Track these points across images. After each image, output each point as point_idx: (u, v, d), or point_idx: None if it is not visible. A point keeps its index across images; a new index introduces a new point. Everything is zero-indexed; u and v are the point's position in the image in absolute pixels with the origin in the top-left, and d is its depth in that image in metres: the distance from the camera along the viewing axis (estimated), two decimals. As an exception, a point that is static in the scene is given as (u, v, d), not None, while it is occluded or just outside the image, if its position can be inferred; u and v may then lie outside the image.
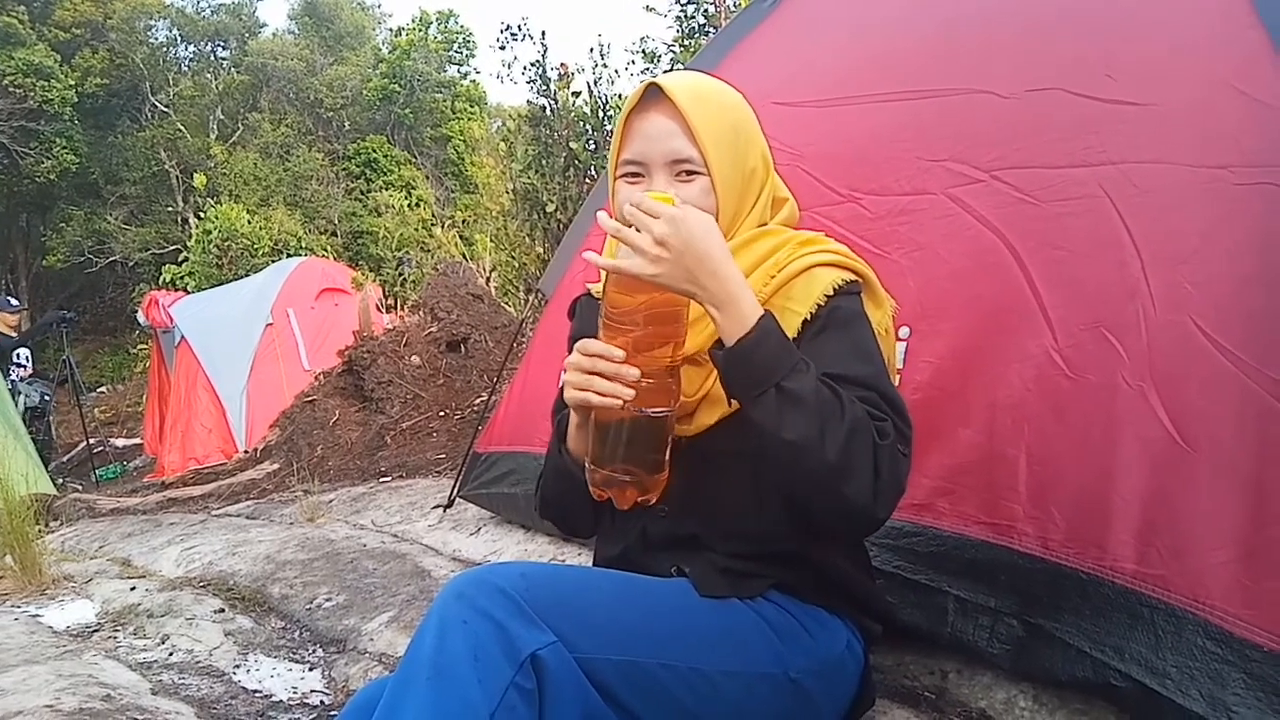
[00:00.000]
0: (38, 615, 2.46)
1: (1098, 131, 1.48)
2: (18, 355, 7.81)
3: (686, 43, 5.88)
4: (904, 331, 1.63)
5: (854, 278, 1.19)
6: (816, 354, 1.10)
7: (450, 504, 3.17)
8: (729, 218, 1.19)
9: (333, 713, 1.75)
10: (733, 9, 5.49)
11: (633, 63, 6.50)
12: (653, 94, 1.18)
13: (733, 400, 1.10)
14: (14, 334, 8.08)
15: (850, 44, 2.12)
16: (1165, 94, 1.43)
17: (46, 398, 7.95)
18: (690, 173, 1.16)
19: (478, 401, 4.88)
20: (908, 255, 1.68)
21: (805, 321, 1.14)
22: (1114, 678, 1.22)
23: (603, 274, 1.12)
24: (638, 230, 1.05)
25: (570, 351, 1.33)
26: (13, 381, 7.40)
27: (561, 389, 1.33)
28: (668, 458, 1.12)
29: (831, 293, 1.15)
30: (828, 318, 1.14)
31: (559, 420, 1.29)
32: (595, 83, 5.61)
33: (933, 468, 1.54)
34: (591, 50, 5.69)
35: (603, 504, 1.21)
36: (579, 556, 2.42)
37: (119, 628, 2.34)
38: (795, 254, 1.19)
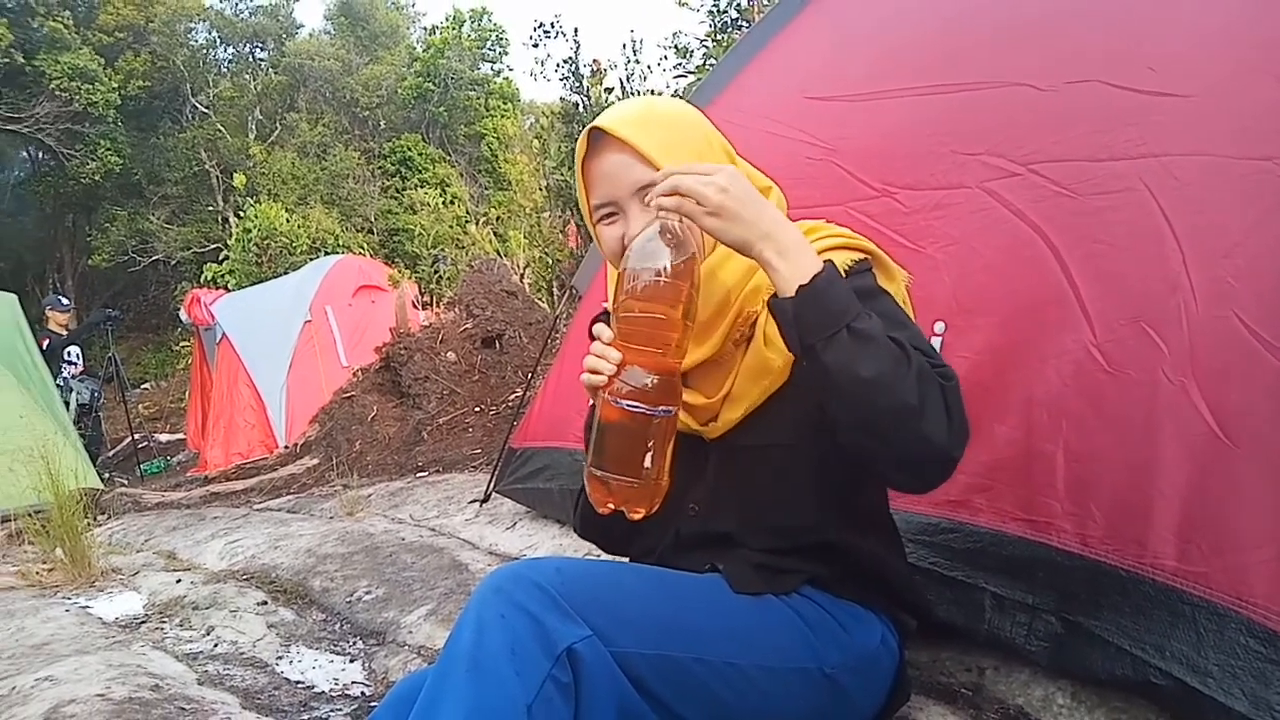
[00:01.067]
0: (87, 606, 2.53)
1: (1138, 123, 1.46)
2: (69, 353, 8.01)
3: (719, 37, 5.87)
4: (939, 327, 1.62)
5: (863, 256, 1.19)
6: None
7: (486, 499, 3.20)
8: None
9: (373, 704, 1.78)
10: (766, 3, 5.46)
11: (665, 58, 6.49)
12: (596, 137, 1.20)
13: (799, 350, 1.07)
14: (64, 332, 8.28)
15: (885, 37, 2.10)
16: (1207, 85, 1.40)
17: (96, 394, 8.14)
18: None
19: (512, 397, 4.92)
20: (943, 250, 1.67)
21: None
22: (1154, 676, 1.21)
23: (611, 280, 1.12)
24: (686, 200, 1.06)
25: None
26: (64, 379, 7.59)
27: (590, 406, 1.35)
28: (660, 465, 1.10)
29: (844, 274, 1.14)
30: None
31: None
32: (628, 79, 5.63)
33: (969, 464, 1.51)
34: (624, 46, 5.71)
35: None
36: (614, 551, 2.44)
37: (165, 619, 2.39)
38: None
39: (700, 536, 1.23)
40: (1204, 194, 1.34)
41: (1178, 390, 1.27)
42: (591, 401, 1.16)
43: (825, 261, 1.06)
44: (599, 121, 1.19)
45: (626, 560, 1.35)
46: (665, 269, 1.06)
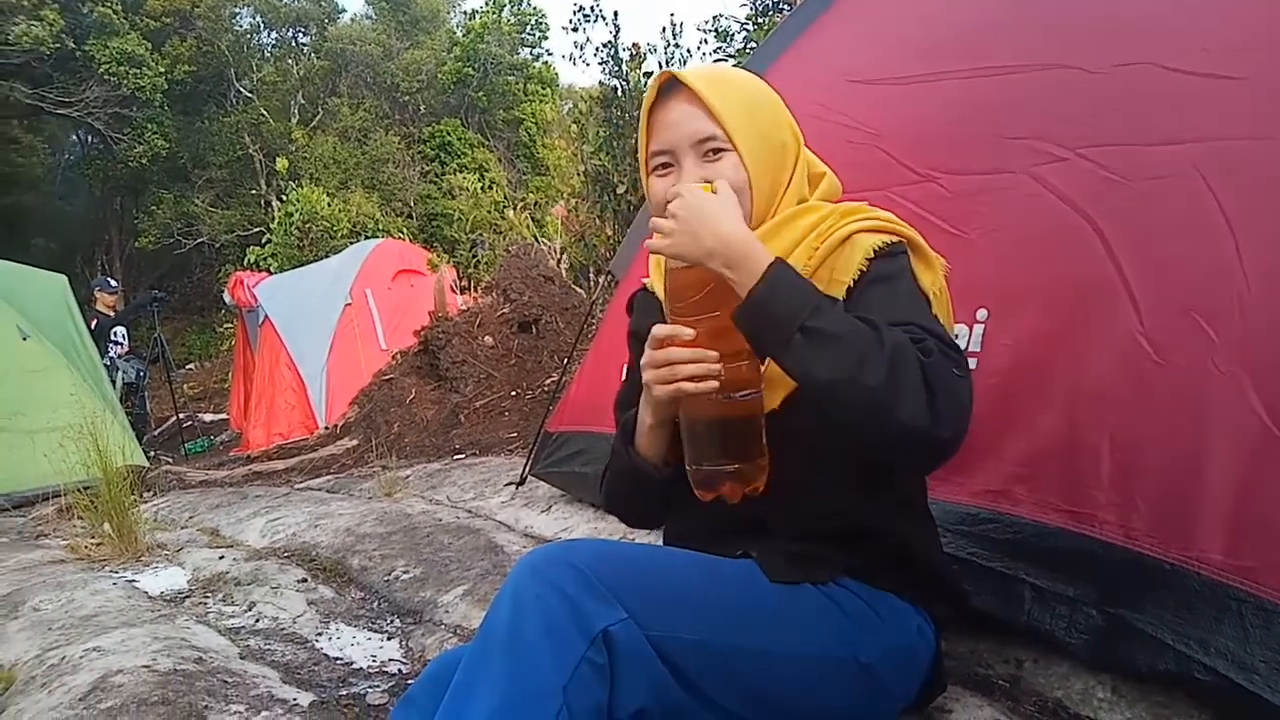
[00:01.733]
0: (134, 580, 2.59)
1: (1190, 107, 1.42)
2: (115, 334, 8.19)
3: (760, 21, 5.81)
4: (981, 314, 1.60)
5: (896, 239, 1.18)
6: (859, 309, 1.09)
7: (522, 481, 3.23)
8: (765, 192, 1.20)
9: (409, 681, 1.80)
10: (808, -15, 5.39)
11: (705, 41, 6.46)
12: (669, 86, 1.21)
13: (766, 359, 1.08)
14: (112, 313, 8.45)
15: (930, 20, 2.07)
16: (1263, 67, 1.36)
17: (142, 374, 8.32)
18: (717, 150, 1.18)
19: (549, 381, 4.94)
20: (986, 235, 1.64)
21: (849, 289, 1.14)
22: (1198, 671, 1.19)
23: (658, 266, 1.13)
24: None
25: (631, 347, 1.35)
26: (110, 359, 7.76)
27: (623, 385, 1.35)
28: (764, 441, 1.11)
29: (873, 255, 1.15)
30: (869, 278, 1.14)
31: (624, 421, 1.29)
32: (667, 63, 5.60)
33: (1011, 453, 1.51)
34: (664, 30, 5.67)
35: (670, 497, 1.24)
36: (649, 536, 2.44)
37: (209, 594, 2.45)
38: (838, 224, 1.18)
39: (735, 521, 1.22)
40: (1258, 179, 1.31)
41: (1228, 381, 1.24)
42: (622, 381, 1.16)
43: (774, 262, 1.05)
44: (675, 69, 1.20)
45: (660, 543, 1.35)
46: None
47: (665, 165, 1.22)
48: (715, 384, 1.08)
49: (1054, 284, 1.53)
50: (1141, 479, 1.32)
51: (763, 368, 1.11)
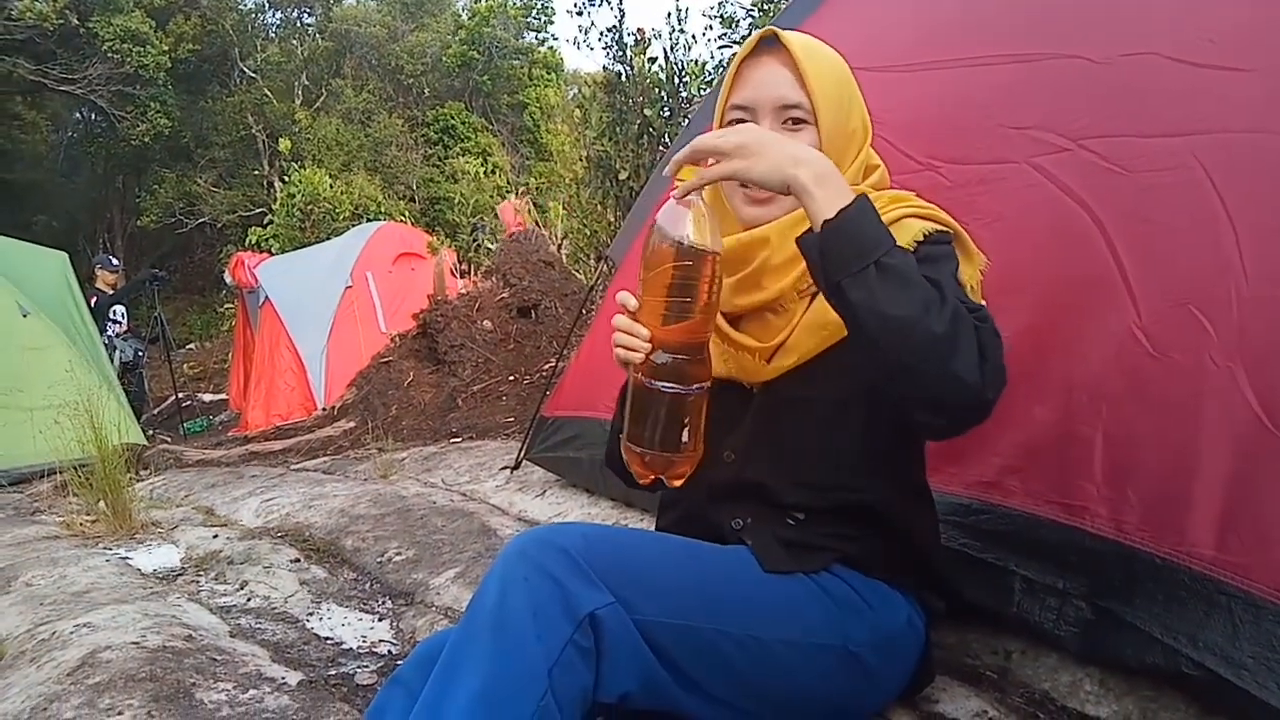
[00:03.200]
0: (127, 558, 2.59)
1: (1194, 99, 1.40)
2: (114, 312, 8.18)
3: (765, 7, 5.78)
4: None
5: (943, 229, 1.19)
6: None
7: (517, 466, 3.22)
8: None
9: (399, 662, 1.80)
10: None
11: (710, 27, 6.42)
12: (768, 43, 1.20)
13: (826, 287, 1.04)
14: (111, 291, 8.44)
15: (934, 7, 2.05)
16: (1268, 59, 1.35)
17: (140, 353, 8.32)
18: (798, 121, 1.18)
19: (546, 367, 4.93)
20: (987, 226, 1.62)
21: None
22: (1186, 665, 1.18)
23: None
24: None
25: None
26: (109, 337, 7.75)
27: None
28: (697, 436, 1.10)
29: (922, 239, 1.15)
30: (917, 259, 1.11)
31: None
32: (672, 49, 5.57)
33: (1005, 445, 1.50)
34: (669, 16, 5.64)
35: None
36: (641, 521, 2.44)
37: (201, 573, 2.45)
38: (886, 207, 1.18)
39: (733, 486, 1.22)
40: (1260, 172, 1.29)
41: (1224, 376, 1.23)
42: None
43: (859, 196, 1.03)
44: (778, 31, 1.20)
45: (653, 527, 1.35)
46: (688, 238, 1.04)
47: (742, 120, 1.21)
48: (639, 359, 1.07)
49: (1053, 275, 1.52)
50: (1134, 472, 1.31)
51: (703, 372, 1.09)
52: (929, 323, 0.96)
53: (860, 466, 1.18)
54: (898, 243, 1.03)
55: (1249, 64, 1.36)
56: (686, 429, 1.08)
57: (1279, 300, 1.21)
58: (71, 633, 1.82)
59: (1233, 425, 1.21)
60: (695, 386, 1.08)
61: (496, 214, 8.46)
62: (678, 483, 1.13)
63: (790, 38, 1.19)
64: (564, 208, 7.27)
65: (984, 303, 1.23)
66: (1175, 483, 1.25)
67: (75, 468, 3.20)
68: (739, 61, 1.23)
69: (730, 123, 1.22)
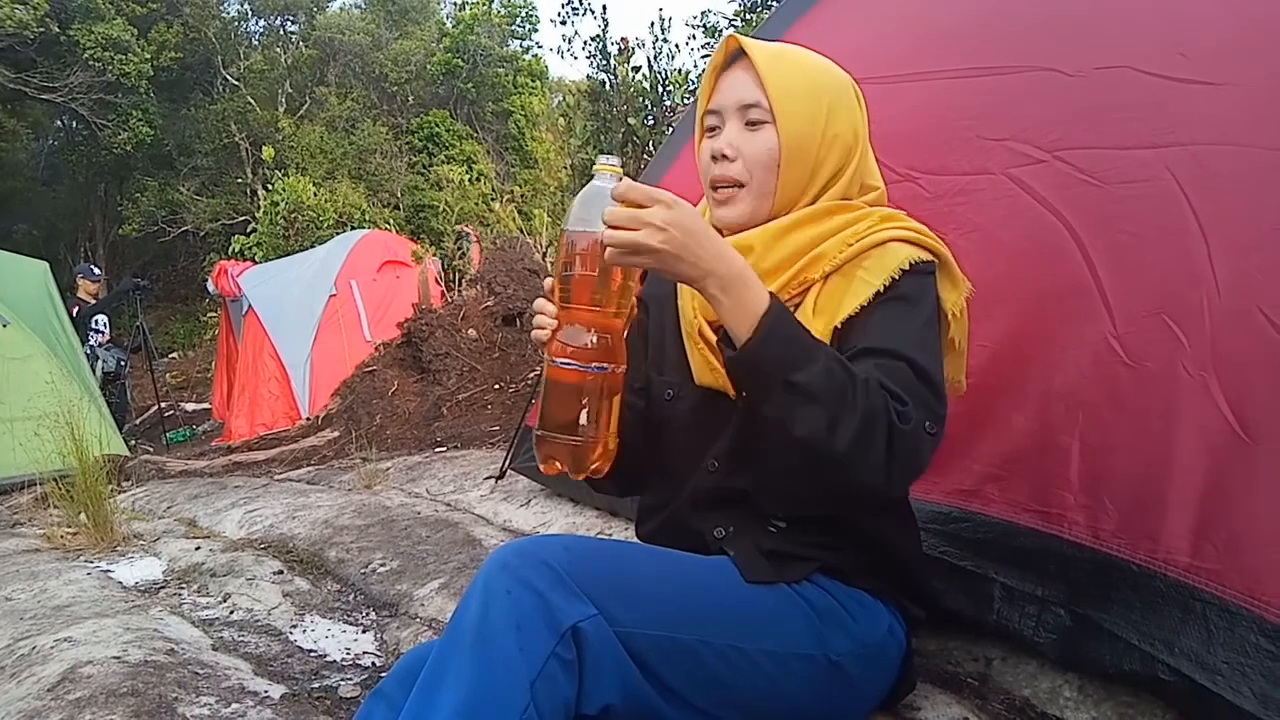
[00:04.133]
0: (109, 571, 2.58)
1: (1166, 111, 1.43)
2: (96, 321, 8.11)
3: (749, 16, 5.81)
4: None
5: (930, 257, 1.19)
6: (870, 324, 1.12)
7: (502, 475, 3.22)
8: (797, 177, 1.20)
9: (383, 674, 1.80)
10: (796, -17, 5.39)
11: (694, 37, 6.46)
12: (736, 55, 1.23)
13: (746, 403, 1.11)
14: (93, 301, 8.38)
15: (913, 20, 2.07)
16: (1240, 73, 1.37)
17: (122, 363, 8.25)
18: (756, 122, 1.20)
19: (532, 375, 4.93)
20: (965, 236, 1.65)
21: (877, 293, 1.14)
22: (1163, 672, 1.20)
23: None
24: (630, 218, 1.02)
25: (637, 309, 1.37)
26: (91, 347, 7.69)
27: None
28: (601, 424, 1.09)
29: (907, 267, 1.15)
30: (895, 292, 1.14)
31: None
32: (655, 58, 5.59)
33: (984, 454, 1.52)
34: (652, 25, 5.66)
35: (641, 465, 1.28)
36: (625, 530, 2.45)
37: (184, 585, 2.43)
38: (875, 226, 1.20)
39: (717, 493, 1.22)
40: (1231, 185, 1.32)
41: (1197, 385, 1.25)
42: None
43: (767, 309, 1.04)
44: (742, 39, 1.23)
45: (634, 537, 1.36)
46: (570, 219, 1.07)
47: (714, 128, 1.24)
48: (544, 336, 1.09)
49: (1030, 285, 1.54)
50: (1110, 480, 1.33)
51: (611, 357, 1.08)
52: (834, 441, 1.00)
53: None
54: (816, 340, 1.06)
55: (1220, 78, 1.39)
56: (585, 412, 1.08)
57: (1250, 311, 1.23)
58: (52, 647, 1.80)
59: (1206, 433, 1.23)
60: (594, 366, 1.07)
61: (485, 218, 8.45)
62: (579, 476, 1.12)
63: (750, 44, 1.21)
64: (549, 215, 7.27)
65: (967, 329, 1.25)
66: (1150, 490, 1.27)
67: (56, 479, 3.18)
68: (713, 71, 1.25)
69: (707, 130, 1.25)
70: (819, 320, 1.15)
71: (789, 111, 1.18)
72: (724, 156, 1.21)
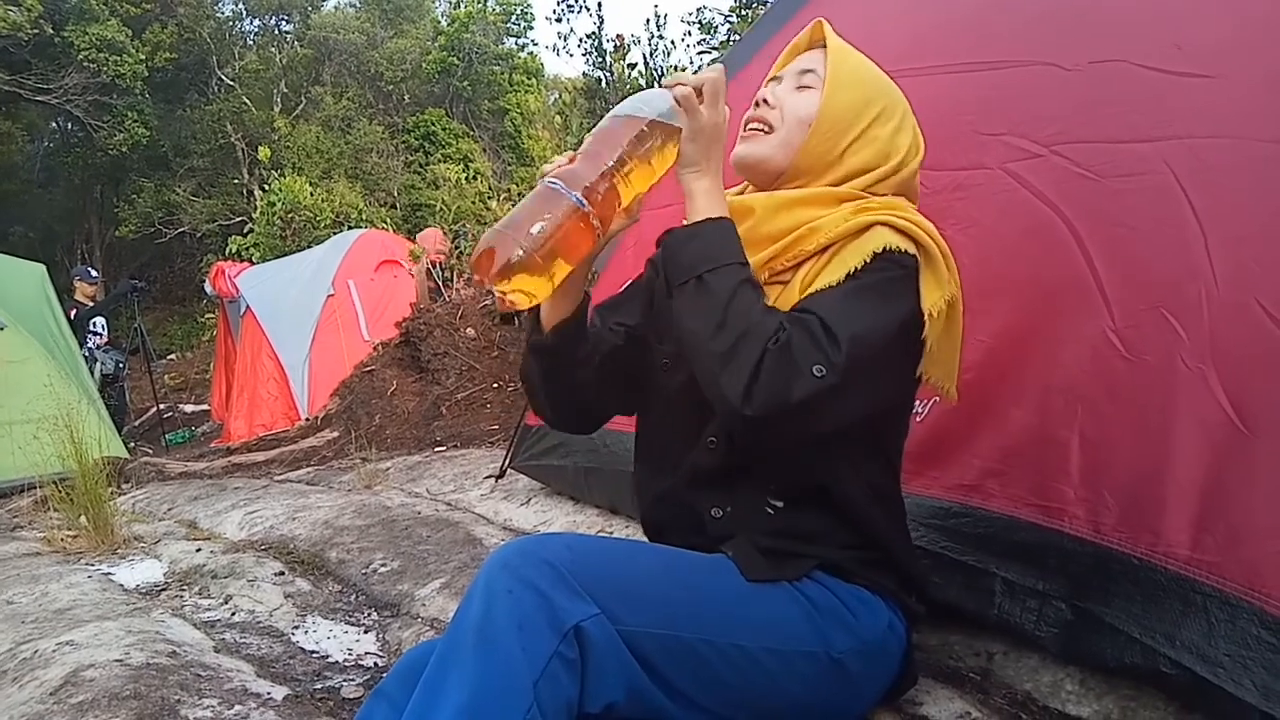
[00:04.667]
0: (110, 573, 2.57)
1: (1163, 105, 1.43)
2: (94, 324, 8.10)
3: (744, 13, 5.80)
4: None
5: (911, 250, 1.16)
6: (818, 295, 1.12)
7: (502, 474, 3.22)
8: (822, 146, 1.24)
9: (385, 674, 1.80)
10: (791, -22, 5.39)
11: (689, 33, 6.44)
12: (821, 44, 1.32)
13: (666, 287, 1.16)
14: (91, 303, 8.37)
15: (909, 15, 2.07)
16: (1235, 66, 1.37)
17: (120, 365, 8.24)
18: (806, 87, 1.27)
19: (531, 374, 4.92)
20: (963, 231, 1.65)
21: (849, 274, 1.14)
22: (1164, 665, 1.20)
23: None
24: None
25: (646, 269, 1.42)
26: (89, 349, 7.68)
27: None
28: (550, 251, 1.05)
29: (880, 250, 1.14)
30: (863, 275, 1.13)
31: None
32: (651, 54, 5.59)
33: (984, 448, 1.52)
34: (648, 21, 5.66)
35: (591, 401, 1.34)
36: (627, 528, 2.45)
37: (185, 587, 2.43)
38: (873, 209, 1.20)
39: (718, 471, 1.22)
40: (1228, 177, 1.32)
41: (1196, 378, 1.25)
42: None
43: (716, 219, 1.14)
44: (825, 23, 1.32)
45: (635, 520, 1.36)
46: (644, 116, 1.12)
47: (773, 79, 1.33)
48: (547, 168, 1.12)
49: (1029, 280, 1.54)
50: (1111, 474, 1.33)
51: (605, 209, 1.11)
52: (712, 342, 1.07)
53: (830, 452, 1.18)
54: (746, 264, 1.12)
55: (1215, 71, 1.39)
56: (542, 224, 1.05)
57: (1248, 304, 1.23)
58: (54, 651, 1.80)
59: (1204, 426, 1.23)
60: (574, 194, 1.07)
61: (482, 217, 8.44)
62: (503, 290, 1.06)
63: (832, 33, 1.30)
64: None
65: (957, 333, 1.24)
66: (1150, 483, 1.27)
67: (55, 482, 3.18)
68: (792, 51, 1.34)
69: (765, 81, 1.33)
70: (800, 297, 1.15)
71: (839, 85, 1.25)
72: (765, 102, 1.28)
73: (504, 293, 1.06)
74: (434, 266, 6.72)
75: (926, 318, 1.15)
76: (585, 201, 1.07)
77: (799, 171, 1.25)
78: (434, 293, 6.66)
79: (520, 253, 1.03)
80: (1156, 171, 1.39)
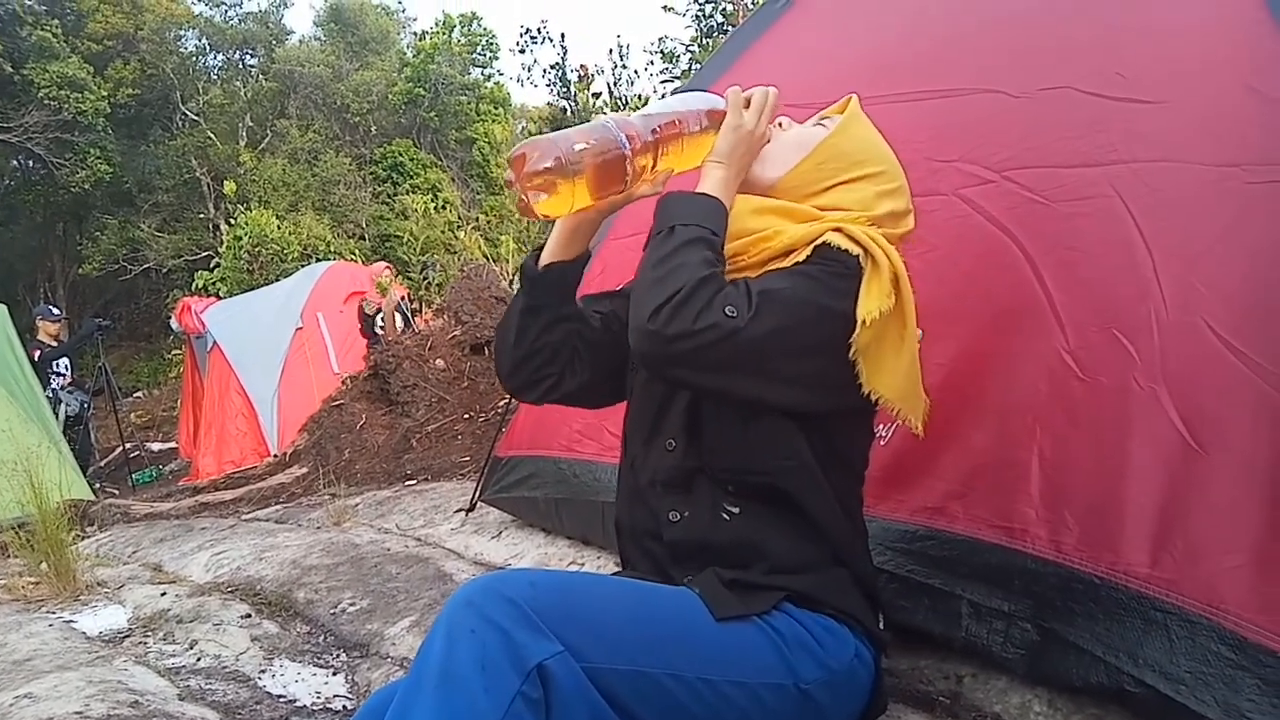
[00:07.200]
0: (71, 621, 2.51)
1: (1109, 130, 1.46)
2: (58, 364, 7.96)
3: (705, 42, 5.88)
4: (916, 334, 1.62)
5: (856, 252, 1.18)
6: (762, 276, 1.18)
7: (472, 508, 3.19)
8: (811, 173, 1.30)
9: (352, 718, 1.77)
10: (750, 7, 5.47)
11: (652, 63, 6.51)
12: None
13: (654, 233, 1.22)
14: (55, 342, 8.23)
15: (862, 44, 2.11)
16: (1177, 92, 1.41)
17: (85, 405, 8.09)
18: (821, 125, 1.35)
19: (501, 404, 4.90)
20: (919, 257, 1.65)
21: (793, 266, 1.20)
22: (1128, 683, 1.21)
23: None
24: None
25: None
26: (53, 390, 7.54)
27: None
28: (580, 157, 1.14)
29: (822, 244, 1.19)
30: (803, 264, 1.19)
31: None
32: (615, 84, 5.64)
33: (946, 471, 1.53)
34: (611, 52, 5.71)
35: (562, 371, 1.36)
36: (598, 560, 2.44)
37: (149, 633, 2.38)
38: (833, 220, 1.23)
39: (675, 474, 1.25)
40: (1173, 200, 1.35)
41: (1148, 397, 1.28)
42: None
43: (710, 197, 1.22)
44: (855, 99, 1.40)
45: (606, 551, 1.37)
46: (701, 107, 1.27)
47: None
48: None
49: (984, 304, 1.56)
50: (1070, 494, 1.35)
51: (631, 170, 1.20)
52: (652, 272, 1.14)
53: (790, 453, 1.20)
54: (715, 236, 1.19)
55: (1158, 96, 1.43)
56: (584, 146, 1.15)
57: (1195, 324, 1.25)
58: (11, 705, 1.76)
59: (1159, 444, 1.25)
60: (623, 136, 1.17)
61: (451, 246, 8.43)
62: (532, 202, 1.15)
63: (857, 102, 1.38)
64: (515, 242, 7.27)
65: (901, 343, 1.24)
66: (1108, 502, 1.29)
67: (15, 528, 3.11)
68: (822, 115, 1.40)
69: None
70: None
71: (848, 130, 1.32)
72: (779, 125, 1.35)
73: (527, 192, 1.14)
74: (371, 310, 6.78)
75: (859, 323, 1.14)
76: (629, 145, 1.17)
77: (784, 189, 1.29)
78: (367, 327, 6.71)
79: (558, 159, 1.13)
80: (1104, 195, 1.42)
